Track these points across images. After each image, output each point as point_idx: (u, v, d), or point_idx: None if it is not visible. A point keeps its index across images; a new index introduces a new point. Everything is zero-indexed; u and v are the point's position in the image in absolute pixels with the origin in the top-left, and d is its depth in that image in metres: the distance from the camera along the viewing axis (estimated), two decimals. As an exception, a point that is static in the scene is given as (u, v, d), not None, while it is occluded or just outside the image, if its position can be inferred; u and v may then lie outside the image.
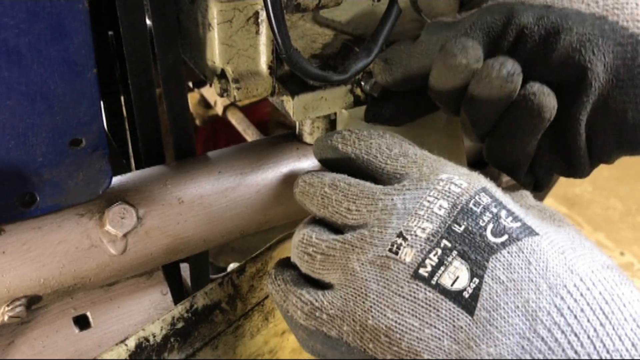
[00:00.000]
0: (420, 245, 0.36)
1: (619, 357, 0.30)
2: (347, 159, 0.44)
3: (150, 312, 0.54)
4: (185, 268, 0.66)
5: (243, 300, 0.56)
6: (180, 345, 0.52)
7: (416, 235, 0.36)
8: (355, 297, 0.36)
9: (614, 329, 0.31)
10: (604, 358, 0.30)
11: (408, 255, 0.36)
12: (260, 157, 0.54)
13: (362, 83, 0.52)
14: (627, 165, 2.30)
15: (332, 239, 0.39)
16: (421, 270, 0.35)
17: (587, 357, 0.31)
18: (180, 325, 0.51)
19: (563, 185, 2.22)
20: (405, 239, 0.36)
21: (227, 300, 0.54)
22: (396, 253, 0.36)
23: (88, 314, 0.52)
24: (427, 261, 0.35)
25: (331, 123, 0.56)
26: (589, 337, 0.31)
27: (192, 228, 0.51)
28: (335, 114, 0.54)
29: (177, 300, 0.56)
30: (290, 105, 0.50)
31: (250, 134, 0.99)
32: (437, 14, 0.54)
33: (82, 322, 0.52)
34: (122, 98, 0.67)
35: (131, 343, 0.49)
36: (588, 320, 0.32)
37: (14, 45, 0.37)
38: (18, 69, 0.38)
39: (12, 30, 0.36)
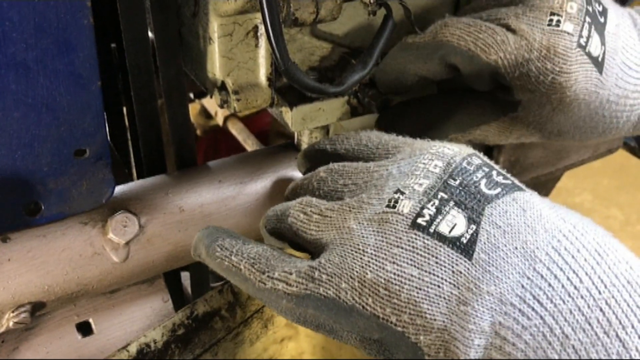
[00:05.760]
0: (418, 197, 0.36)
1: (616, 292, 0.31)
2: (337, 156, 0.45)
3: (151, 318, 0.55)
4: (185, 277, 0.67)
5: (242, 307, 0.56)
6: (181, 352, 0.52)
7: (414, 190, 0.37)
8: (353, 253, 0.35)
9: (609, 268, 0.32)
10: (602, 292, 0.31)
11: (406, 206, 0.36)
12: (260, 166, 0.56)
13: (359, 94, 0.54)
14: (627, 174, 2.30)
15: (331, 203, 0.40)
16: (419, 220, 0.35)
17: (586, 292, 0.31)
18: (180, 331, 0.52)
19: (563, 194, 2.22)
20: (402, 193, 0.37)
21: (226, 307, 0.55)
22: (394, 207, 0.36)
23: (91, 320, 0.53)
24: (425, 211, 0.35)
25: (329, 133, 0.57)
26: (586, 273, 0.32)
27: (193, 236, 0.51)
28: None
29: (177, 307, 0.56)
30: (289, 116, 0.51)
31: (250, 144, 1.00)
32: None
33: (84, 329, 0.53)
34: (124, 109, 0.68)
35: (133, 349, 0.50)
36: (585, 260, 0.33)
37: (21, 59, 0.38)
38: (25, 81, 0.39)
39: (20, 45, 0.37)
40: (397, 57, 0.51)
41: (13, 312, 0.46)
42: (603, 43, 0.49)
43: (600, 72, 0.48)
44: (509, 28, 0.48)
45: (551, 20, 0.47)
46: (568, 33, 0.47)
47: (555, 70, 0.47)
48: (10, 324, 0.46)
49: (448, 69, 0.50)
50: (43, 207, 0.46)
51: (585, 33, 0.48)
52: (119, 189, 0.51)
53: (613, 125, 0.52)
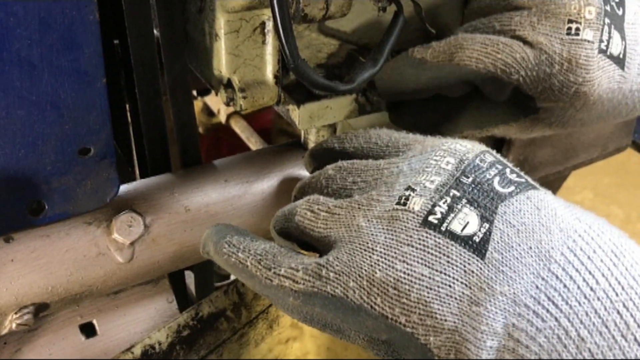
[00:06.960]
0: (430, 194, 0.35)
1: (634, 294, 0.31)
2: (345, 154, 0.44)
3: (156, 319, 0.55)
4: (189, 276, 0.66)
5: (248, 308, 0.56)
6: (186, 353, 0.52)
7: (425, 187, 0.36)
8: (362, 251, 0.35)
9: (626, 269, 0.31)
10: (619, 294, 0.31)
11: (417, 204, 0.35)
12: (266, 165, 0.55)
13: (367, 92, 0.53)
14: (627, 173, 2.30)
15: (340, 201, 0.39)
16: (431, 218, 0.34)
17: (603, 294, 0.31)
18: (185, 332, 0.52)
19: (563, 192, 2.21)
20: (414, 190, 0.36)
21: (232, 308, 0.55)
22: (405, 204, 0.35)
23: (94, 321, 0.53)
24: (437, 208, 0.34)
25: (336, 132, 0.57)
26: (603, 275, 0.31)
27: (199, 236, 0.51)
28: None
29: (181, 308, 0.56)
30: (296, 114, 0.51)
31: (253, 142, 0.99)
32: (441, 23, 0.55)
33: (88, 330, 0.52)
34: (127, 106, 0.67)
35: (137, 351, 0.49)
36: (601, 260, 0.32)
37: (26, 56, 0.37)
38: (29, 78, 0.38)
39: (25, 41, 0.37)
40: (405, 73, 0.49)
41: (16, 313, 0.46)
42: (623, 38, 0.47)
43: (622, 68, 0.47)
44: (525, 41, 0.47)
45: (570, 28, 0.46)
46: (588, 41, 0.46)
47: (579, 80, 0.46)
48: (13, 325, 0.46)
49: (465, 86, 0.49)
50: (46, 207, 0.45)
51: (605, 37, 0.46)
52: (123, 188, 0.50)
53: (637, 109, 0.51)
